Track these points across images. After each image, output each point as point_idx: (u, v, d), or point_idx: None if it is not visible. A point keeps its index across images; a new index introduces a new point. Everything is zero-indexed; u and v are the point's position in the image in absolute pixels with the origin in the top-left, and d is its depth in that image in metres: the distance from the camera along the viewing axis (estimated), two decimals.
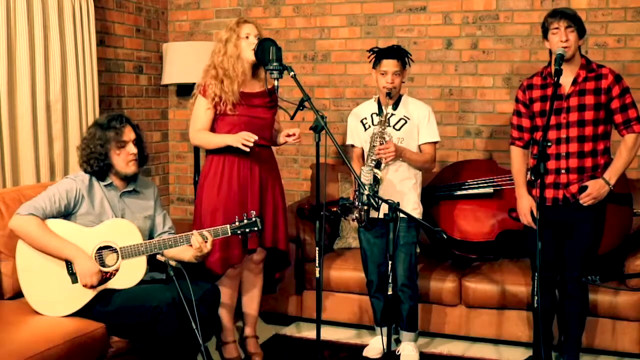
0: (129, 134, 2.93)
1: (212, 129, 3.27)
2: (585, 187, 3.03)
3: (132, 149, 2.92)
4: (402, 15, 4.42)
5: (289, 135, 3.26)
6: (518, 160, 3.27)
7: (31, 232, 2.74)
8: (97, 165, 2.90)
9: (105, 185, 2.95)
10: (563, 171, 3.07)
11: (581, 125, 3.03)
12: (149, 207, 3.06)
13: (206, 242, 2.86)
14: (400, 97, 3.47)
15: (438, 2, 4.34)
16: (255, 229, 2.95)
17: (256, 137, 3.08)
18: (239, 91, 3.20)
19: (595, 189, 3.02)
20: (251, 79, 3.29)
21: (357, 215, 3.29)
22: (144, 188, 3.08)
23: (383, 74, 3.34)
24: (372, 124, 3.44)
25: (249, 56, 3.20)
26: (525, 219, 3.19)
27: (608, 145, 3.10)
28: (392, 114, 3.42)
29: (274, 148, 3.44)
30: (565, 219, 3.09)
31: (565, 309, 3.21)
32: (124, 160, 2.91)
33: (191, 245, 2.87)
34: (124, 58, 4.46)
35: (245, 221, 2.93)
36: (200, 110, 3.24)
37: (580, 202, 3.04)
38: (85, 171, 2.94)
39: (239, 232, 2.93)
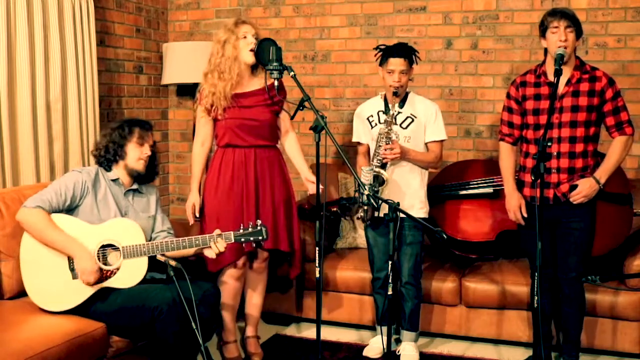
0: (150, 138, 3.08)
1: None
2: (576, 186, 3.05)
3: (147, 150, 3.05)
4: (402, 15, 4.42)
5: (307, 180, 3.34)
6: (507, 156, 3.28)
7: (36, 225, 2.78)
8: (113, 149, 3.00)
9: (111, 180, 3.00)
10: (554, 171, 3.09)
11: (573, 127, 3.04)
12: (151, 207, 3.12)
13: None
14: (406, 95, 3.44)
15: (438, 2, 4.33)
16: (260, 238, 2.94)
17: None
18: (231, 93, 3.20)
19: (586, 188, 3.04)
20: (250, 77, 3.28)
21: (361, 214, 3.29)
22: (146, 189, 3.15)
23: (390, 73, 3.31)
24: (379, 121, 3.42)
25: (247, 57, 3.19)
26: (515, 216, 3.20)
27: (596, 148, 3.13)
28: (399, 112, 3.40)
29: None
30: (556, 218, 3.10)
31: (562, 310, 3.21)
32: (137, 155, 3.01)
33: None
34: (124, 58, 4.46)
35: (250, 229, 2.94)
36: (198, 121, 3.33)
37: (571, 200, 3.06)
38: (98, 157, 3.02)
39: (242, 240, 2.94)
